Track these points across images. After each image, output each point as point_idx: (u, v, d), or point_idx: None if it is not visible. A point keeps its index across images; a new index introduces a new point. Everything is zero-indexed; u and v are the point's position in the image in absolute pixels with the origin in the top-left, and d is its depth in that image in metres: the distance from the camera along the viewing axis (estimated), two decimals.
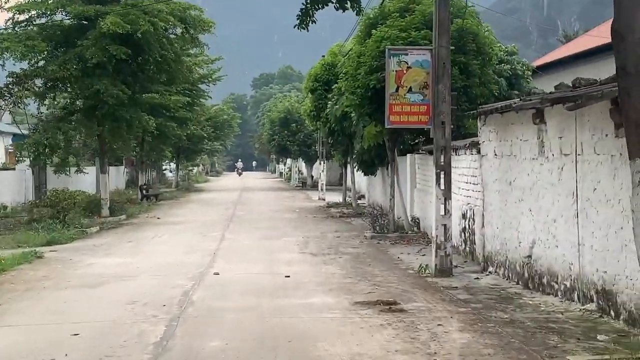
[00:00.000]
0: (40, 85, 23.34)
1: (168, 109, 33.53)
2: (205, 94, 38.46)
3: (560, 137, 9.60)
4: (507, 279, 11.51)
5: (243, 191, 45.84)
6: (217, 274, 12.67)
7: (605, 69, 11.46)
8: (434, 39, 12.21)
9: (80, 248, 17.00)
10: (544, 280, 10.15)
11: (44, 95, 23.52)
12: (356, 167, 26.61)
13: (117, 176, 41.75)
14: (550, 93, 9.41)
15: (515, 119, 10.99)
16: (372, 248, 16.51)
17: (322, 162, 36.83)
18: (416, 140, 21.04)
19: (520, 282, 11.01)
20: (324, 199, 36.25)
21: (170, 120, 33.48)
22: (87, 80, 22.87)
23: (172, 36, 25.07)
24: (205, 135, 44.69)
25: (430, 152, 18.18)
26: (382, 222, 19.23)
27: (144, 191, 34.73)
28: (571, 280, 9.30)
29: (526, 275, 10.76)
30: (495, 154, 12.03)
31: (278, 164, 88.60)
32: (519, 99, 10.76)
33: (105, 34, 21.82)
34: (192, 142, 44.99)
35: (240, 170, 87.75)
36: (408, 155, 20.67)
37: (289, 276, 12.21)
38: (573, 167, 9.21)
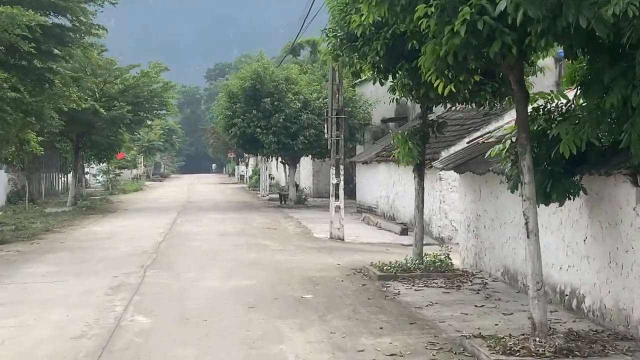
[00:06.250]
0: None
1: None
2: (91, 22, 18.13)
3: None
4: None
5: (182, 213, 26.47)
6: None
7: None
8: None
9: None
10: None
11: None
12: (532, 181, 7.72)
13: None
14: None
15: None
16: None
17: (336, 163, 17.85)
18: None
19: None
20: (341, 238, 17.41)
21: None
22: None
23: None
24: (104, 113, 23.67)
25: None
26: None
27: None
28: None
29: None
30: None
31: (238, 164, 69.03)
32: None
33: None
34: (90, 125, 25.21)
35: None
36: None
37: None
38: None
